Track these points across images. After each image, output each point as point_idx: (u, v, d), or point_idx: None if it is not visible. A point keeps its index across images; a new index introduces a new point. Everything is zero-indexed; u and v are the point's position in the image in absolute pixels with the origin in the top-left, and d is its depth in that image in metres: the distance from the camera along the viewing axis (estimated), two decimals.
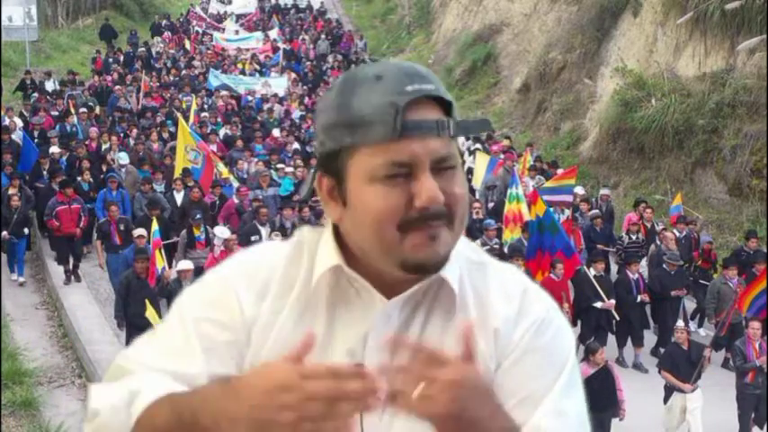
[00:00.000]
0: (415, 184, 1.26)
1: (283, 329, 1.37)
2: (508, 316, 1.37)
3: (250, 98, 24.65)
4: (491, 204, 15.22)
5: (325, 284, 1.37)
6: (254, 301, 1.38)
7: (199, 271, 11.33)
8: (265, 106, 23.43)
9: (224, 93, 24.57)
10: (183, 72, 27.55)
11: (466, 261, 1.41)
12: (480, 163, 17.21)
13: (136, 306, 10.43)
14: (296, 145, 18.95)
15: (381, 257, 1.31)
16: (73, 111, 19.97)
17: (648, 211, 14.42)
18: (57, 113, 20.41)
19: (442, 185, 1.27)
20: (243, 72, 28.33)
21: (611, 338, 11.76)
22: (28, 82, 23.73)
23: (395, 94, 1.25)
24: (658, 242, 13.23)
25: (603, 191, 16.19)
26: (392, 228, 1.27)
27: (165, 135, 18.77)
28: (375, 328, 1.35)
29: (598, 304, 11.46)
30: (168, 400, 1.25)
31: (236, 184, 15.23)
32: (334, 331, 1.37)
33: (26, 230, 14.02)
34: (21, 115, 19.74)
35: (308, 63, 30.67)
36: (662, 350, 11.22)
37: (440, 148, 1.27)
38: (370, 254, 1.33)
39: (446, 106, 1.30)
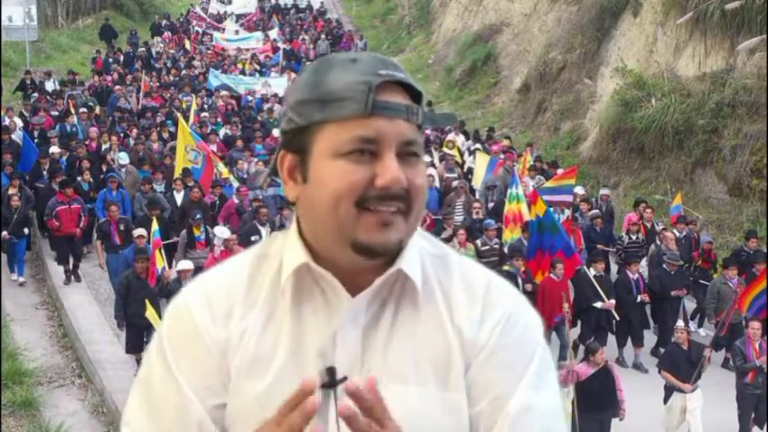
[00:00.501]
0: (379, 164, 1.28)
1: (252, 337, 1.37)
2: (473, 314, 1.37)
3: (250, 98, 24.65)
4: (491, 204, 15.21)
5: (290, 286, 1.37)
6: (222, 324, 1.39)
7: (199, 271, 11.33)
8: (265, 106, 23.41)
9: (224, 93, 24.57)
10: (183, 72, 27.55)
11: (428, 255, 1.41)
12: (480, 163, 17.20)
13: (136, 306, 10.43)
14: None
15: (334, 235, 1.31)
16: (73, 111, 19.96)
17: (648, 211, 14.41)
18: (57, 113, 20.40)
19: (406, 172, 1.29)
20: (243, 72, 28.33)
21: (611, 338, 11.75)
22: (28, 82, 23.73)
23: (368, 74, 1.28)
24: (658, 242, 13.22)
25: (603, 191, 16.18)
26: (349, 204, 1.28)
27: (165, 135, 18.76)
28: (343, 328, 1.35)
29: (598, 304, 11.46)
30: None
31: (236, 184, 15.23)
32: (303, 333, 1.37)
33: (26, 230, 14.01)
34: (21, 115, 19.74)
35: (308, 63, 30.62)
36: (662, 350, 11.21)
37: (407, 131, 1.30)
38: (323, 232, 1.33)
39: (416, 98, 1.33)
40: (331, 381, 1.28)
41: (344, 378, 1.29)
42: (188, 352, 1.38)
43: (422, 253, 1.40)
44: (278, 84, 26.25)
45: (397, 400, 1.28)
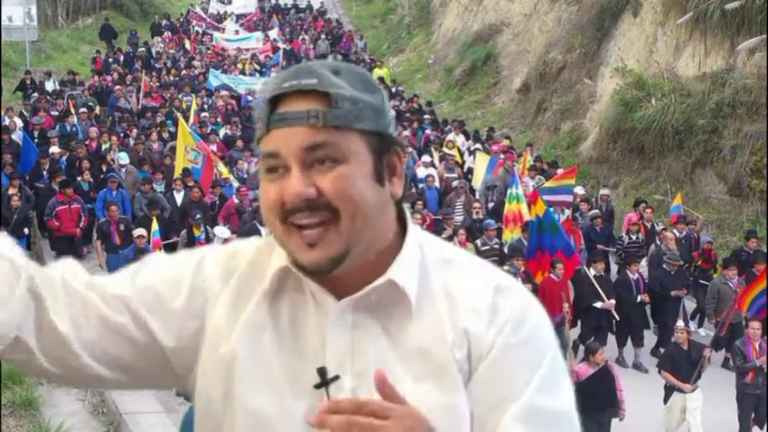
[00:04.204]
0: (284, 178, 1.29)
1: (248, 327, 1.37)
2: (480, 314, 1.34)
3: (250, 98, 24.61)
4: (491, 204, 15.22)
5: (280, 284, 1.38)
6: (219, 278, 1.41)
7: None
8: None
9: (224, 93, 24.56)
10: (183, 72, 27.54)
11: (433, 259, 1.39)
12: (480, 163, 17.21)
13: None
14: None
15: (285, 251, 1.35)
16: (73, 111, 19.97)
17: (648, 211, 14.42)
18: (57, 113, 20.40)
19: (319, 179, 1.27)
20: (243, 72, 28.30)
21: (611, 338, 11.75)
22: (28, 82, 23.72)
23: (272, 90, 1.31)
24: (658, 242, 13.22)
25: (603, 191, 16.19)
26: (276, 222, 1.31)
27: (165, 135, 18.76)
28: (330, 332, 1.35)
29: (598, 304, 11.46)
30: None
31: (236, 184, 15.23)
32: (298, 333, 1.37)
33: (26, 230, 14.00)
34: (21, 115, 19.73)
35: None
36: (662, 350, 11.21)
37: (308, 136, 1.27)
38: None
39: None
40: (323, 380, 1.29)
41: (336, 377, 1.29)
42: (180, 261, 1.44)
43: (424, 258, 1.38)
44: None
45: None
